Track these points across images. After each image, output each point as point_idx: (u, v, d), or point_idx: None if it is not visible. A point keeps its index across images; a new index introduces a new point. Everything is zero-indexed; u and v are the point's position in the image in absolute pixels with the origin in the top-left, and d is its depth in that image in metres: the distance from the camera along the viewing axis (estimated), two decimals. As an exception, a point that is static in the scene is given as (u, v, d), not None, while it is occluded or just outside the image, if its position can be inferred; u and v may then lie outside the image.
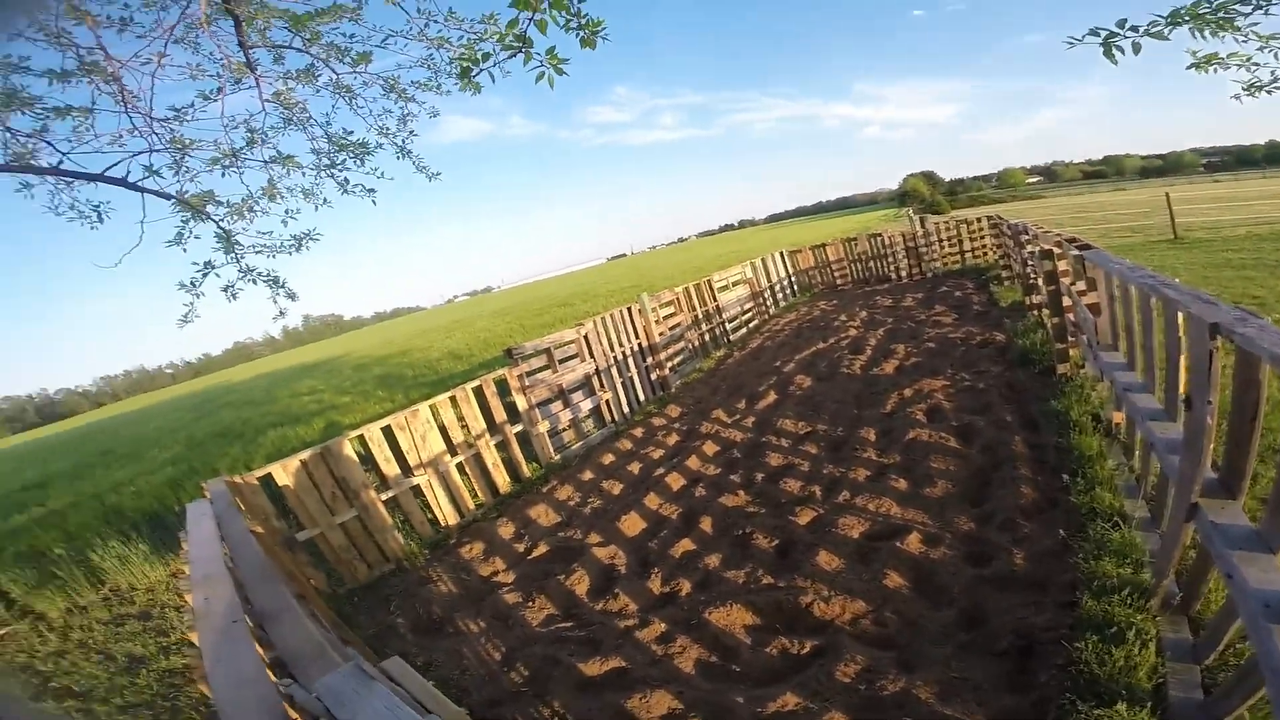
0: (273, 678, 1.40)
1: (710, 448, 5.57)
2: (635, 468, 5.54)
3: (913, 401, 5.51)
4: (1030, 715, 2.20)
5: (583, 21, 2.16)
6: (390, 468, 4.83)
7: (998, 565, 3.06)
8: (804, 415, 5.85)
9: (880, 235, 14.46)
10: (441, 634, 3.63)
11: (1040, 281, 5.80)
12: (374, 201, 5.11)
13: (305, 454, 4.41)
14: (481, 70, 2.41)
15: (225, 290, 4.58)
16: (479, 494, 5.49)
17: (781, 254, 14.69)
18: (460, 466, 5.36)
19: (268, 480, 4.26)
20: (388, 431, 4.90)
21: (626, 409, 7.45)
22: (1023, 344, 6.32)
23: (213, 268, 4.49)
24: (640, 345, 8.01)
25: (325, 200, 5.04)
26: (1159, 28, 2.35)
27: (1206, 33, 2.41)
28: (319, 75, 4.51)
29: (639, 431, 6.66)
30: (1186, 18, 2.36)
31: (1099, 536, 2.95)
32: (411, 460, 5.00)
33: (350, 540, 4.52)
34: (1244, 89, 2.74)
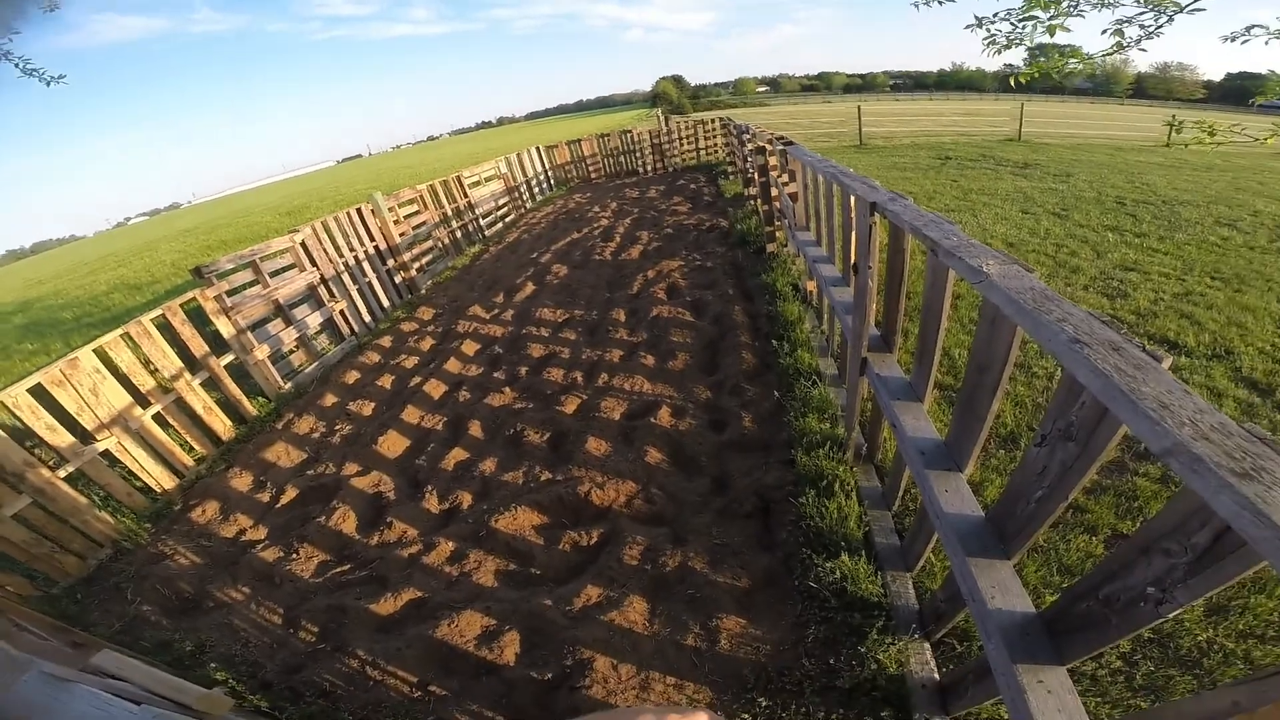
0: None
1: (470, 347, 5.36)
2: (387, 381, 5.08)
3: (655, 282, 5.98)
4: (783, 571, 2.51)
5: None
6: (59, 436, 3.70)
7: (733, 430, 3.49)
8: (561, 303, 5.94)
9: (630, 133, 15.08)
10: (200, 611, 3.08)
11: (755, 174, 6.48)
12: None
13: None
14: None
15: None
16: (195, 446, 4.56)
17: (538, 149, 14.48)
18: (159, 418, 4.34)
19: None
20: (39, 391, 3.69)
21: (368, 317, 6.73)
22: (741, 228, 7.24)
23: None
24: (378, 248, 7.16)
25: None
26: None
27: None
28: None
29: (387, 341, 6.10)
30: None
31: (803, 394, 3.47)
32: (88, 422, 3.90)
33: (37, 532, 3.47)
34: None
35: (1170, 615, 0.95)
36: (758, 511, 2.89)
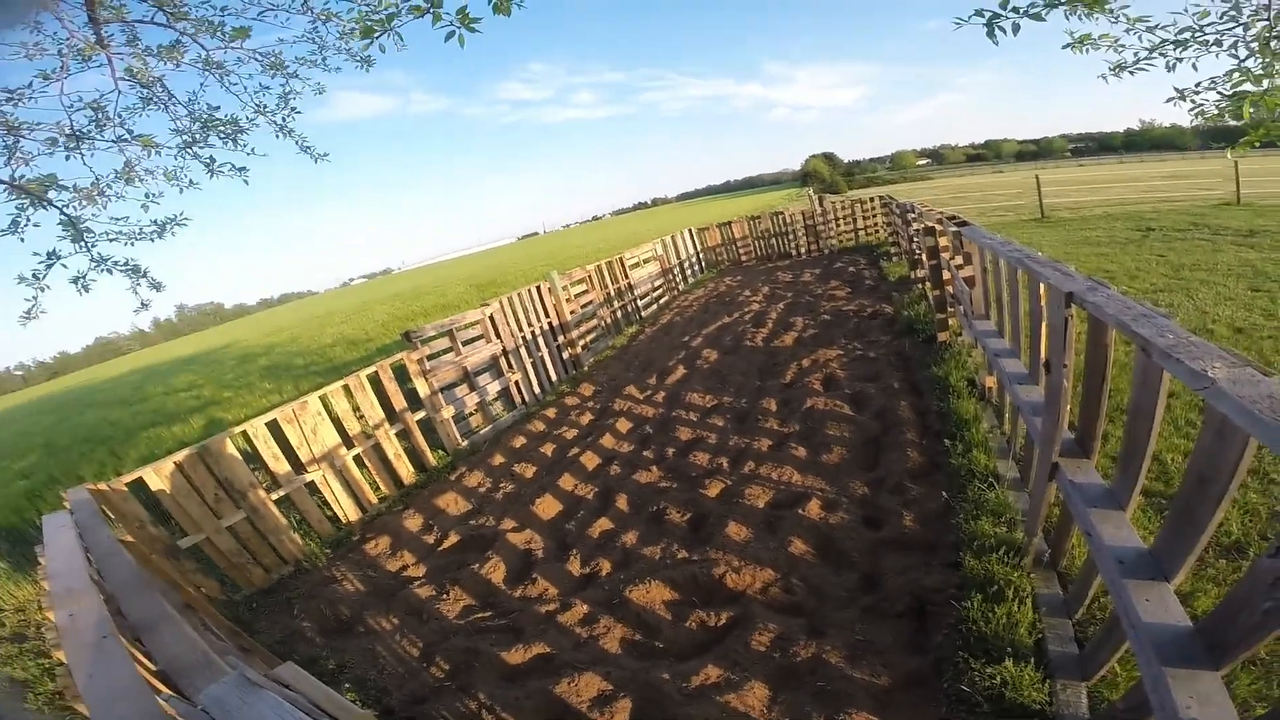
0: (159, 689, 1.29)
1: (624, 425, 5.61)
2: (549, 449, 5.47)
3: (810, 371, 5.82)
4: (932, 674, 2.35)
5: None
6: (280, 465, 4.49)
7: (890, 528, 3.28)
8: (711, 388, 6.02)
9: (782, 213, 15.18)
10: (352, 634, 3.46)
11: (924, 256, 6.20)
12: (245, 181, 4.75)
13: (180, 455, 4.00)
14: (386, 32, 2.22)
15: (75, 282, 4.09)
16: (381, 486, 5.22)
17: (690, 231, 14.96)
18: (359, 459, 5.06)
19: (139, 485, 3.83)
20: (274, 426, 4.53)
21: (538, 389, 7.33)
22: (908, 315, 6.83)
23: (58, 258, 4.00)
24: (551, 324, 7.88)
25: (192, 182, 4.62)
26: (1037, 8, 2.54)
27: (1080, 14, 2.63)
28: (185, 51, 4.07)
29: (552, 412, 6.58)
30: None
31: (976, 497, 3.19)
32: (303, 455, 4.66)
33: (241, 544, 4.17)
34: (1110, 69, 3.03)
35: None
36: (911, 612, 2.68)
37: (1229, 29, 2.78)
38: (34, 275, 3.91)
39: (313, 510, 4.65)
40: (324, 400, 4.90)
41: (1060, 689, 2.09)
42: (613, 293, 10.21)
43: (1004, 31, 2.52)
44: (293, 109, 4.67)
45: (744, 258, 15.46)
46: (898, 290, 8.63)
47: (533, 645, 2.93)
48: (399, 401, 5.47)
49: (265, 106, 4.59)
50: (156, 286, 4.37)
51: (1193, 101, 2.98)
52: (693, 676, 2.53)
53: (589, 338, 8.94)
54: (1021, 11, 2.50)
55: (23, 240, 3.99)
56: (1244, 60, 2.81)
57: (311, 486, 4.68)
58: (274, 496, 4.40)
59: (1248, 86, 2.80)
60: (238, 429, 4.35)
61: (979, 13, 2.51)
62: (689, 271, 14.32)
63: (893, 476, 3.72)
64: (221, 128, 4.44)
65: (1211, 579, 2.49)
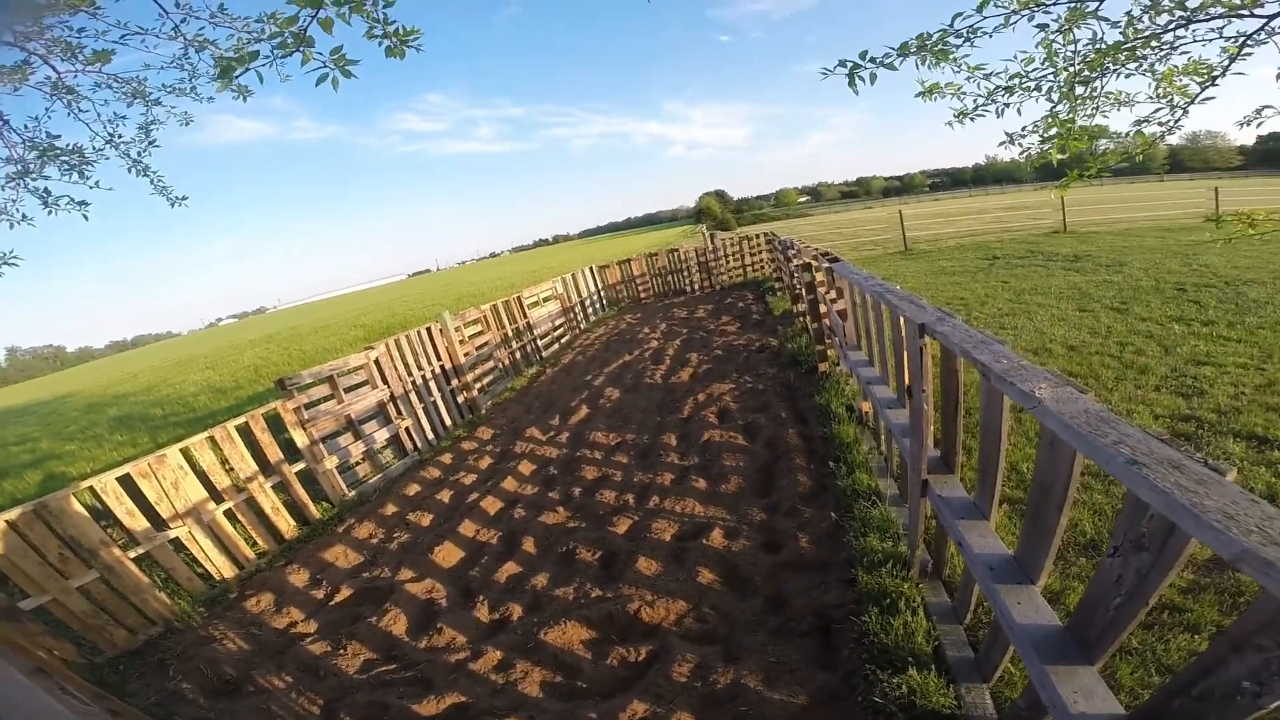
0: None
1: (526, 467, 5.50)
2: (446, 495, 5.24)
3: (705, 405, 6.08)
4: (844, 689, 2.42)
5: (389, 29, 1.98)
6: (136, 521, 4.03)
7: (789, 550, 3.45)
8: (614, 426, 6.09)
9: (677, 250, 15.87)
10: (240, 694, 3.13)
11: (803, 291, 6.65)
12: (85, 216, 4.26)
13: (13, 513, 3.50)
14: (245, 70, 2.07)
15: None
16: (259, 542, 4.77)
17: (592, 269, 15.18)
18: (230, 514, 4.61)
19: None
20: (127, 481, 4.07)
21: (431, 435, 7.01)
22: (791, 347, 7.33)
23: None
24: (444, 367, 7.62)
25: (25, 217, 4.15)
26: (890, 59, 2.81)
27: (929, 63, 2.91)
28: (32, 72, 3.67)
29: (448, 458, 6.32)
30: (913, 48, 2.85)
31: (862, 515, 3.43)
32: (164, 511, 4.21)
33: (97, 605, 3.72)
34: (955, 116, 3.36)
35: (1270, 706, 0.95)
36: (816, 630, 2.81)
37: (1047, 74, 3.16)
38: None
39: (180, 568, 4.20)
40: (186, 453, 4.45)
41: (965, 692, 2.22)
42: (510, 333, 10.04)
43: (863, 80, 2.75)
44: (151, 141, 4.29)
45: (643, 295, 15.88)
46: (782, 324, 9.24)
47: (446, 695, 2.79)
48: (274, 453, 5.04)
49: (119, 137, 4.19)
50: None
51: (1019, 145, 3.43)
52: (619, 714, 2.50)
53: (486, 380, 8.71)
54: (877, 62, 2.76)
55: None
56: (1056, 105, 3.24)
57: (177, 543, 4.24)
58: (132, 554, 3.95)
59: (1054, 130, 3.23)
60: (84, 484, 3.89)
61: (841, 63, 2.75)
62: (590, 309, 14.43)
63: (786, 501, 3.94)
64: (64, 158, 4.00)
65: (1077, 576, 2.80)
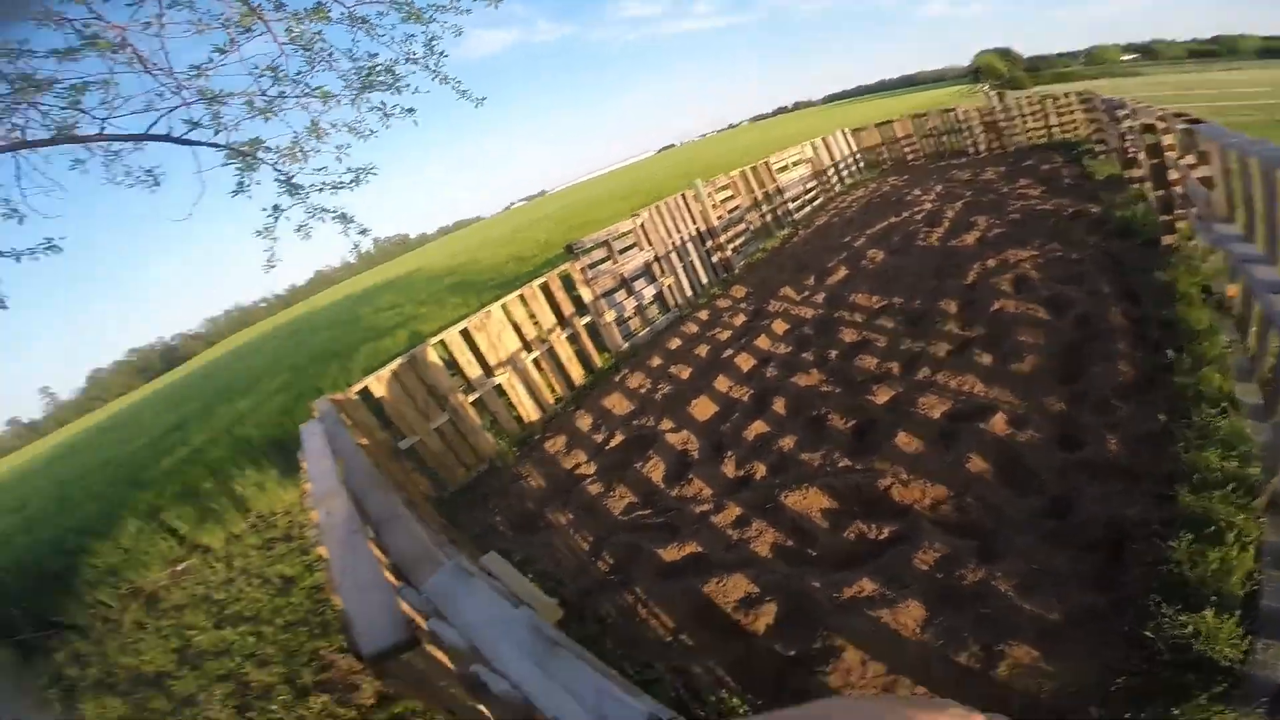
0: (391, 581, 1.49)
1: (780, 326, 5.46)
2: (703, 351, 5.53)
3: (997, 272, 5.16)
4: (1111, 613, 2.10)
5: None
6: (473, 369, 4.97)
7: (1090, 450, 2.87)
8: (878, 289, 5.60)
9: (953, 111, 13.35)
10: (535, 529, 3.80)
11: (1142, 155, 5.28)
12: (415, 122, 5.05)
13: (395, 364, 4.54)
14: None
15: (298, 231, 4.76)
16: (556, 388, 5.66)
17: (844, 132, 13.78)
18: (536, 362, 5.49)
19: (366, 394, 4.41)
20: (465, 334, 4.99)
21: (690, 293, 7.38)
22: (1122, 215, 5.71)
23: (280, 211, 4.64)
24: (699, 230, 7.79)
25: (372, 131, 5.02)
26: None
27: None
28: (329, 10, 4.29)
29: (705, 314, 6.61)
30: None
31: (1204, 423, 2.69)
32: (491, 360, 5.12)
33: (446, 444, 4.70)
34: None
35: None
36: (1103, 544, 2.36)
37: None
38: (265, 229, 4.57)
39: (501, 411, 5.17)
40: (505, 309, 5.31)
41: (1262, 648, 1.85)
42: (760, 197, 9.76)
43: None
44: (441, 54, 4.79)
45: (910, 157, 13.89)
46: (1105, 190, 7.16)
47: (687, 544, 3.02)
48: (567, 308, 5.81)
49: (415, 54, 4.75)
50: (364, 232, 4.93)
51: None
52: (845, 588, 2.43)
53: (738, 241, 8.71)
54: None
55: (250, 198, 4.65)
56: None
57: (499, 389, 5.17)
58: (470, 399, 4.92)
59: None
60: (435, 338, 4.85)
61: None
62: (845, 173, 13.24)
63: (1097, 392, 3.23)
64: (380, 77, 4.70)
65: None
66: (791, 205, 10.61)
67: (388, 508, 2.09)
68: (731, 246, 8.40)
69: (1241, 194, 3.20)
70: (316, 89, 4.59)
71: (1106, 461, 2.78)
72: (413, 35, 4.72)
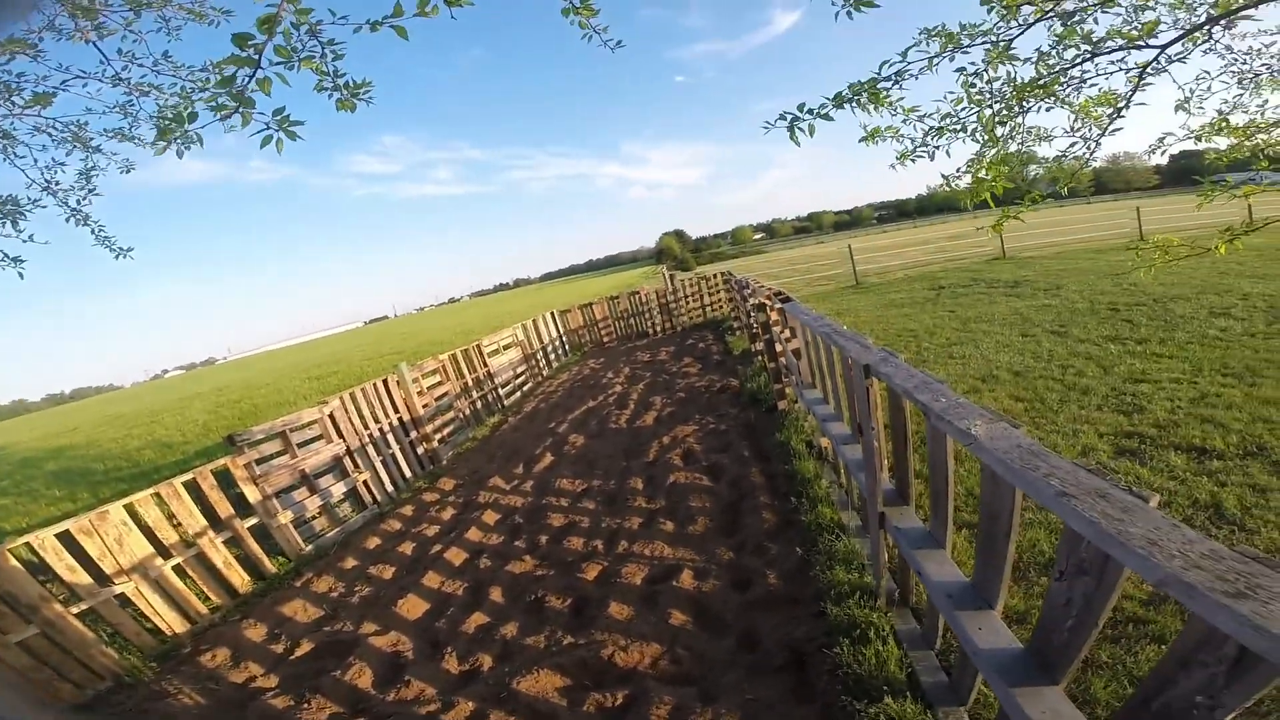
0: None
1: (491, 516, 5.40)
2: (408, 548, 5.10)
3: (670, 448, 6.12)
4: None
5: (339, 83, 1.96)
6: (78, 577, 3.90)
7: (758, 588, 3.47)
8: (580, 473, 6.05)
9: (639, 293, 16.00)
10: None
11: (759, 330, 6.79)
12: (21, 274, 4.04)
13: None
14: (183, 133, 2.06)
15: None
16: (211, 596, 4.60)
17: (553, 314, 15.09)
18: (179, 569, 4.45)
19: None
20: (67, 537, 3.93)
21: (391, 488, 6.83)
22: (751, 387, 7.43)
23: None
24: (402, 419, 7.48)
25: None
26: (826, 109, 2.85)
27: (869, 108, 2.97)
28: None
29: (409, 510, 6.15)
30: (848, 96, 2.92)
31: (827, 548, 3.48)
32: (108, 567, 4.06)
33: (39, 660, 3.60)
34: (897, 158, 3.40)
35: (1227, 718, 0.98)
36: (790, 665, 2.82)
37: (972, 115, 3.27)
38: None
39: (128, 623, 4.06)
40: (130, 509, 4.31)
41: (943, 716, 2.24)
42: (471, 382, 9.92)
43: (803, 131, 2.80)
44: (92, 189, 4.08)
45: (605, 339, 15.85)
46: (741, 363, 9.37)
47: None
48: (225, 509, 4.87)
49: (56, 184, 3.99)
50: None
51: (953, 186, 3.54)
52: None
53: (447, 430, 8.56)
54: (815, 113, 2.81)
55: None
56: (982, 146, 3.36)
57: (124, 598, 4.09)
58: (75, 610, 3.82)
59: (982, 172, 3.30)
60: (20, 540, 3.77)
61: (782, 116, 2.81)
62: (553, 355, 14.32)
63: (753, 539, 3.98)
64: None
65: (1039, 595, 2.83)
66: (502, 391, 10.93)
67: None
68: (439, 436, 8.19)
69: (816, 362, 4.40)
70: None
71: (771, 595, 3.37)
72: (62, 163, 3.91)
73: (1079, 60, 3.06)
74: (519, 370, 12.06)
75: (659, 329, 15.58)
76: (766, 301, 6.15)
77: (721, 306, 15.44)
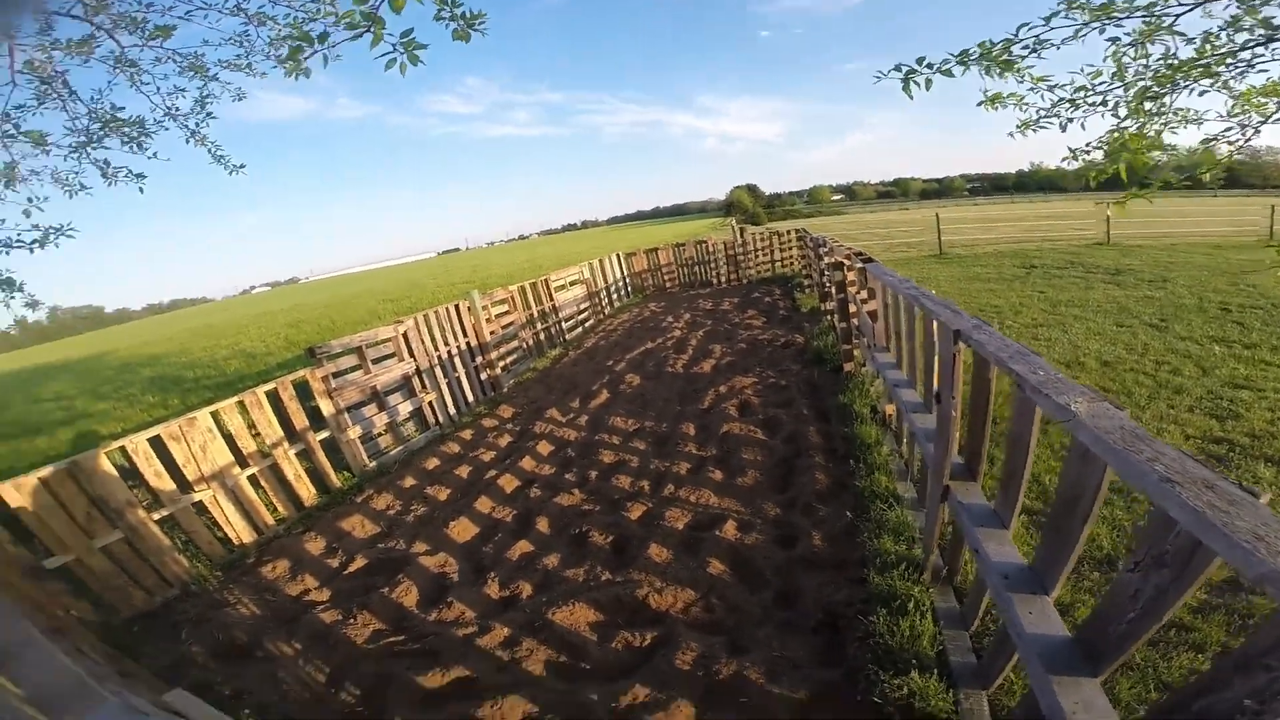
0: None
1: (545, 447, 5.55)
2: (464, 471, 5.32)
3: (727, 397, 6.05)
4: (846, 686, 2.46)
5: (457, 12, 1.97)
6: (163, 483, 4.14)
7: (802, 547, 3.44)
8: (633, 412, 6.11)
9: (705, 242, 15.75)
10: (250, 659, 3.20)
11: (832, 290, 6.58)
12: (141, 189, 4.36)
13: (46, 471, 3.60)
14: (314, 53, 2.09)
15: None
16: (279, 508, 4.89)
17: (618, 256, 15.13)
18: (254, 479, 4.74)
19: None
20: (157, 442, 4.19)
21: (453, 410, 7.13)
22: (817, 345, 7.23)
23: None
24: (469, 344, 7.72)
25: (83, 186, 4.21)
26: (949, 65, 2.71)
27: (993, 72, 2.82)
28: (97, 46, 3.72)
29: (468, 434, 6.40)
30: (975, 56, 2.76)
31: (878, 516, 3.41)
32: (190, 474, 4.32)
33: (118, 565, 3.82)
34: (1018, 127, 3.23)
35: None
36: (823, 627, 2.82)
37: (1115, 88, 3.06)
38: None
39: (201, 531, 4.32)
40: (215, 416, 4.58)
41: (964, 698, 2.23)
42: (536, 314, 10.14)
43: (919, 86, 2.69)
44: (209, 114, 4.34)
45: (669, 284, 15.79)
46: (809, 321, 9.11)
47: (451, 668, 2.83)
48: (300, 420, 5.17)
49: (178, 110, 4.25)
50: (32, 305, 3.99)
51: (1083, 160, 3.30)
52: (621, 696, 2.53)
53: (509, 359, 8.81)
54: (934, 68, 2.68)
55: None
56: (1123, 120, 3.11)
57: (200, 506, 4.35)
58: (156, 516, 4.06)
59: (1120, 145, 3.06)
60: (115, 444, 3.99)
61: (897, 67, 2.69)
62: (615, 296, 14.43)
63: (803, 498, 3.92)
64: (125, 129, 4.09)
65: (1088, 590, 2.78)
66: (565, 325, 11.14)
67: (15, 635, 1.65)
68: (502, 364, 8.44)
69: (894, 326, 4.26)
70: (26, 132, 3.75)
71: (815, 555, 3.34)
72: (183, 90, 4.18)
73: (1250, 44, 2.74)
74: (582, 307, 12.23)
75: (724, 279, 15.32)
76: (845, 261, 5.87)
77: (793, 263, 14.95)
